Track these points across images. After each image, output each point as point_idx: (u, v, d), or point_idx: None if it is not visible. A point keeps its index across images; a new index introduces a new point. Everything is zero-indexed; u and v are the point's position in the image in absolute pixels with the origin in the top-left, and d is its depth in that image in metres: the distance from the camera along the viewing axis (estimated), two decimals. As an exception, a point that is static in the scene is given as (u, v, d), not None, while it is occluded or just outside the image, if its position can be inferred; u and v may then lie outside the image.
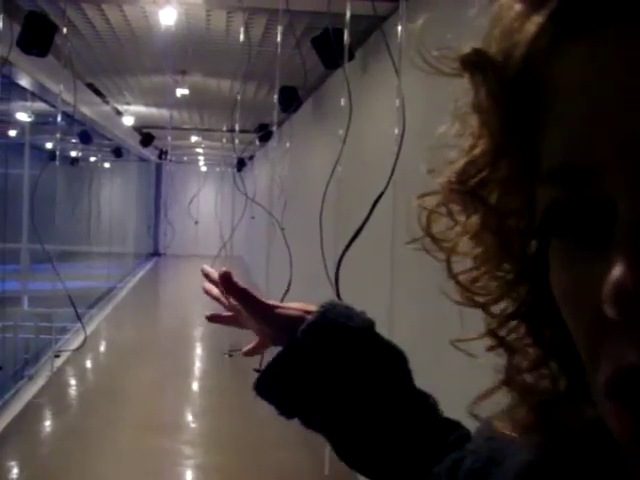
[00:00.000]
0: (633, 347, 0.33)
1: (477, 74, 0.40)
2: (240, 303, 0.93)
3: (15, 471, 5.33)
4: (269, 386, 0.88)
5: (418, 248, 0.48)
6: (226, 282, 0.91)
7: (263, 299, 0.92)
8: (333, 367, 0.84)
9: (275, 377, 0.87)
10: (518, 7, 0.38)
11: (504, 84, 0.39)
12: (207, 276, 0.99)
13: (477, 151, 0.42)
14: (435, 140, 0.45)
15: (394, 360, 0.88)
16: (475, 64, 0.40)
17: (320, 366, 0.84)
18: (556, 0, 0.36)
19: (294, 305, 0.92)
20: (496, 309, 0.46)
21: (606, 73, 0.34)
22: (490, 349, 0.47)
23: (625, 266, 0.32)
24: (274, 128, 6.50)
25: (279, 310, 0.91)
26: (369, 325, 0.89)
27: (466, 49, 0.40)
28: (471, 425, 0.62)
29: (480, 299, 0.46)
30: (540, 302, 0.44)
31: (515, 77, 0.38)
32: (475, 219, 0.43)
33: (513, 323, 0.46)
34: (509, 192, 0.42)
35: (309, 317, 0.86)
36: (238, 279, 0.92)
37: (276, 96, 5.75)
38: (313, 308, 0.89)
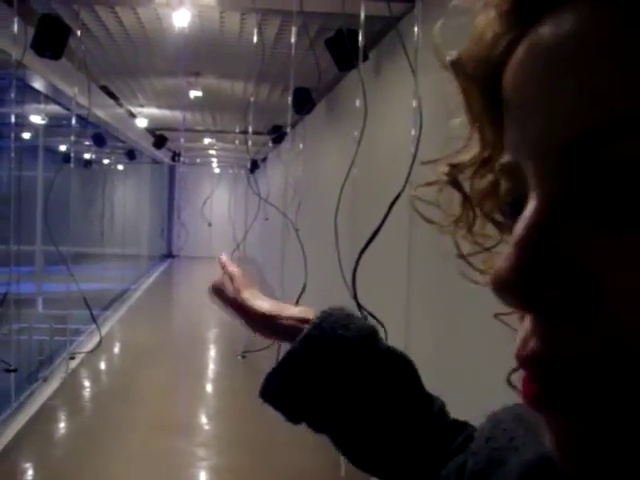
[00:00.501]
0: (533, 334, 0.33)
1: (459, 77, 0.42)
2: (234, 314, 0.94)
3: (30, 472, 5.35)
4: (273, 394, 0.88)
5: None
6: (216, 294, 0.95)
7: (257, 306, 0.93)
8: (332, 377, 0.83)
9: (277, 386, 0.86)
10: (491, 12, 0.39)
11: (478, 87, 0.41)
12: (223, 267, 1.03)
13: (471, 144, 0.44)
14: (448, 131, 0.47)
15: (395, 367, 0.86)
16: (456, 68, 0.42)
17: (319, 376, 0.83)
18: (508, 2, 0.38)
19: (291, 312, 0.91)
20: None
21: (522, 67, 0.35)
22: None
23: (506, 255, 0.33)
24: (287, 130, 6.48)
25: (274, 321, 0.91)
26: (367, 333, 0.86)
27: (452, 53, 0.42)
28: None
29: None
30: None
31: (486, 80, 0.40)
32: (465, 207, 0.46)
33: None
34: (491, 187, 0.44)
35: (305, 328, 0.85)
36: (247, 279, 0.96)
37: (290, 98, 5.73)
38: (312, 315, 0.88)
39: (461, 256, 0.47)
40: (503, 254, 0.33)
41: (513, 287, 0.32)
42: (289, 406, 0.87)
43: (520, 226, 0.33)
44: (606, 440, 0.32)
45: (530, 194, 0.34)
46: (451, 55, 0.42)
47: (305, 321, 0.87)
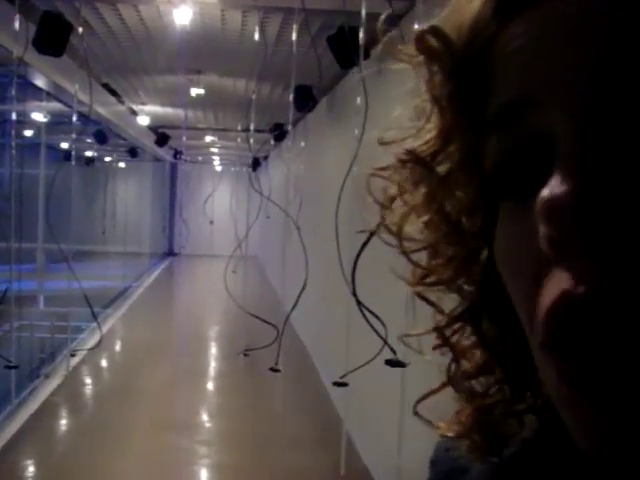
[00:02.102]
0: (569, 271, 0.31)
1: (429, 53, 0.41)
2: None
3: (31, 469, 5.36)
4: None
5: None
6: None
7: None
8: None
9: None
10: None
11: (454, 59, 0.40)
12: None
13: (429, 127, 0.43)
14: (391, 121, 0.47)
15: None
16: (428, 44, 0.41)
17: None
18: None
19: None
20: (445, 306, 0.47)
21: (551, 17, 0.34)
22: (436, 347, 0.48)
23: (559, 180, 0.31)
24: (289, 127, 6.48)
25: None
26: None
27: (423, 27, 0.41)
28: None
29: (432, 280, 0.46)
30: (485, 298, 0.44)
31: (464, 51, 0.39)
32: (422, 191, 0.44)
33: (459, 324, 0.46)
34: (458, 166, 0.42)
35: None
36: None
37: (291, 95, 5.73)
38: None
39: (403, 253, 0.48)
40: (558, 180, 0.31)
41: (570, 212, 0.31)
42: None
43: (572, 150, 0.32)
44: None
45: (562, 120, 0.33)
46: (433, 23, 0.41)
47: None
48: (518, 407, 0.45)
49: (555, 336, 0.33)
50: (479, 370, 0.46)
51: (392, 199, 0.48)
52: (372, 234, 0.50)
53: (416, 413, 0.50)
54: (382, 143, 0.47)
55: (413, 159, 0.44)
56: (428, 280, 0.47)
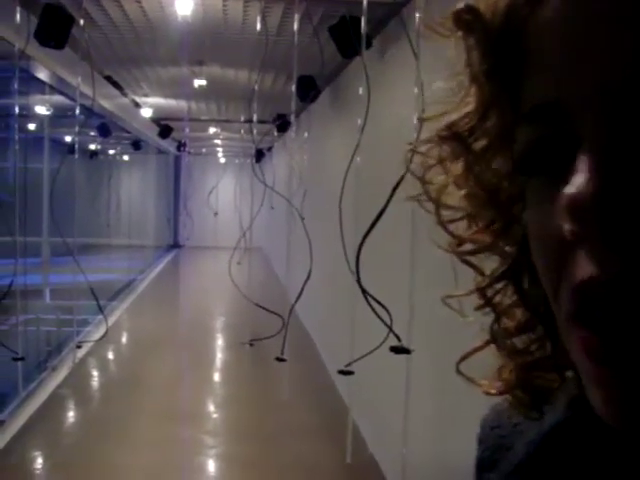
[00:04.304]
0: (590, 260, 0.35)
1: (467, 29, 0.42)
2: None
3: (39, 460, 5.38)
4: None
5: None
6: None
7: None
8: None
9: None
10: None
11: (491, 36, 0.41)
12: None
13: (468, 102, 0.45)
14: (432, 94, 0.49)
15: None
16: (465, 20, 0.42)
17: None
18: None
19: None
20: (486, 268, 0.49)
21: (583, 6, 0.35)
22: (478, 308, 0.50)
23: (582, 178, 0.34)
24: (292, 118, 6.47)
25: None
26: None
27: (459, 6, 0.42)
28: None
29: (469, 247, 0.49)
30: (526, 259, 0.45)
31: (500, 29, 0.41)
32: (461, 164, 0.47)
33: (501, 284, 0.49)
34: (496, 141, 0.45)
35: None
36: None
37: (294, 86, 5.71)
38: None
39: (443, 223, 0.49)
40: (581, 177, 0.34)
41: (591, 211, 0.33)
42: None
43: (594, 151, 0.34)
44: None
45: (590, 128, 0.35)
46: (459, 7, 0.42)
47: None
48: (559, 363, 0.47)
49: (582, 307, 0.36)
50: (520, 328, 0.48)
51: (430, 171, 0.49)
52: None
53: (459, 371, 0.52)
54: (422, 120, 0.49)
55: (452, 134, 0.46)
56: (467, 248, 0.49)
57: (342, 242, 3.77)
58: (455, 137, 0.46)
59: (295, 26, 4.98)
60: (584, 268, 0.35)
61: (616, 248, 0.33)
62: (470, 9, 0.42)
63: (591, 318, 0.35)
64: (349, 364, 4.11)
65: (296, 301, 5.11)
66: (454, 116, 0.46)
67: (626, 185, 0.33)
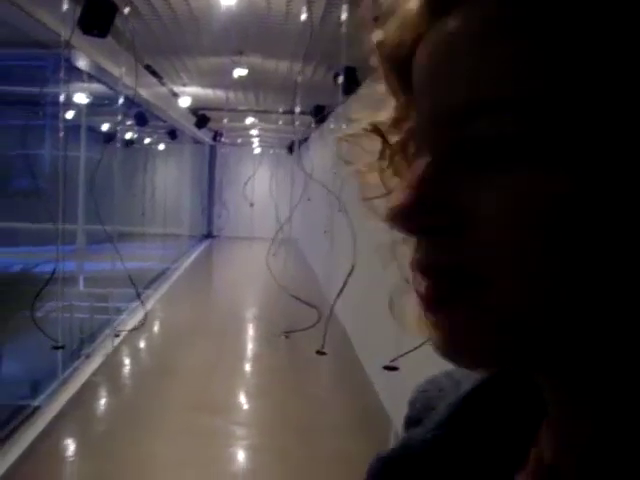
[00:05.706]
0: (420, 252, 0.44)
1: (380, 57, 0.51)
2: None
3: (72, 448, 5.40)
4: None
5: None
6: None
7: None
8: None
9: None
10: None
11: (394, 64, 0.49)
12: None
13: (390, 107, 0.54)
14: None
15: None
16: (380, 48, 0.50)
17: None
18: None
19: None
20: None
21: (425, 52, 0.44)
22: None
23: (402, 193, 0.43)
24: (332, 109, 6.43)
25: None
26: None
27: (378, 34, 0.50)
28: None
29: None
30: None
31: (399, 60, 0.48)
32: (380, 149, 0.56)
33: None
34: (405, 135, 0.53)
35: None
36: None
37: (341, 77, 5.66)
38: None
39: (365, 199, 0.57)
40: (398, 193, 0.43)
41: (406, 217, 0.42)
42: None
43: (414, 172, 0.43)
44: (481, 327, 0.41)
45: (425, 150, 0.44)
46: (377, 36, 0.50)
47: None
48: None
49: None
50: None
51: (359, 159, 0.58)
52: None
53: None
54: (352, 120, 0.57)
55: (373, 129, 0.55)
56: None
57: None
58: (374, 130, 0.55)
59: (343, 16, 4.92)
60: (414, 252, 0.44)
61: (426, 239, 0.43)
62: (379, 44, 0.50)
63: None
64: (394, 359, 4.06)
65: (339, 294, 5.06)
66: (377, 117, 0.55)
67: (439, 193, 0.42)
